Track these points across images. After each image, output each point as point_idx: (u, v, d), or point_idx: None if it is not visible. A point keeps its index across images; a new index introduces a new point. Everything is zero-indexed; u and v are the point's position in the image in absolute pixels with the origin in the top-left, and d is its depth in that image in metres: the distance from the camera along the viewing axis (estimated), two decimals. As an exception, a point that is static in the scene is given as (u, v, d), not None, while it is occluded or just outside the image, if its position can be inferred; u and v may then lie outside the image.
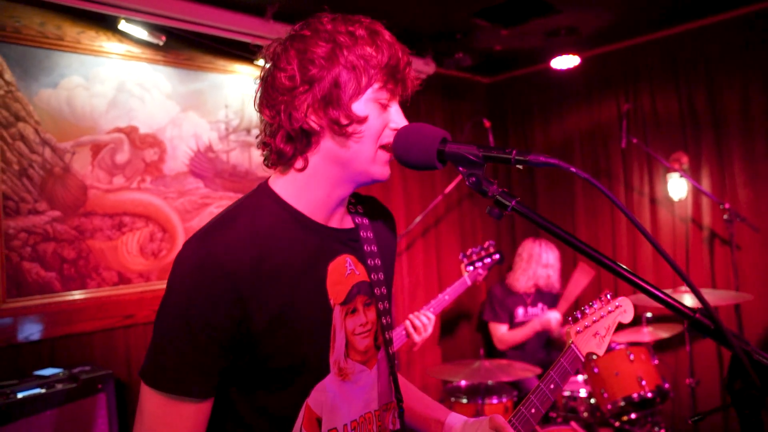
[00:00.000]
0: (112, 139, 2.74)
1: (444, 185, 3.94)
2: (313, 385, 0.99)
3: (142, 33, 2.73)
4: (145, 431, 0.92)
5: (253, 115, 3.20)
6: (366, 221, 1.15)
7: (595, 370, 3.08)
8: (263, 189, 1.04)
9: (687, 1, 3.38)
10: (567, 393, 3.40)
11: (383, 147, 1.02)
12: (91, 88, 2.68)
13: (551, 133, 4.58)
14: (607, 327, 1.39)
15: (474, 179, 0.95)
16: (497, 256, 2.72)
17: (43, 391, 2.10)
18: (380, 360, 1.10)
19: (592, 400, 3.29)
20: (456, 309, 4.39)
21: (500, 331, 3.79)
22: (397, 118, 1.02)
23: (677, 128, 3.84)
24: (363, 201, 1.21)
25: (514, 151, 0.93)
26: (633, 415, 3.17)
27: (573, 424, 3.09)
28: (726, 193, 3.65)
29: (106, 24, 2.69)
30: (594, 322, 1.38)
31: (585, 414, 3.33)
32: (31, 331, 2.43)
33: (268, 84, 1.00)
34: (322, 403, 1.00)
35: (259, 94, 1.02)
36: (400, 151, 1.00)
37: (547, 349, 3.94)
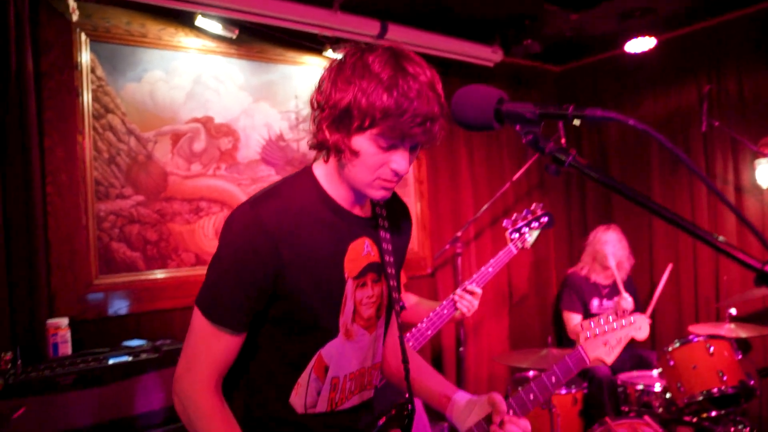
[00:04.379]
0: (189, 129, 2.90)
1: (513, 172, 3.88)
2: (326, 341, 1.20)
3: (216, 27, 2.88)
4: (190, 346, 1.16)
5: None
6: (384, 212, 1.32)
7: (671, 362, 2.94)
8: (306, 172, 1.23)
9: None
10: (640, 386, 3.27)
11: (384, 180, 1.14)
12: (170, 81, 2.86)
13: (627, 125, 4.40)
14: (619, 339, 1.50)
15: (531, 137, 0.95)
16: (545, 219, 2.53)
17: (130, 359, 2.27)
18: (378, 327, 1.30)
19: (668, 395, 3.14)
20: (526, 293, 4.32)
21: (574, 321, 3.70)
22: (398, 162, 1.11)
23: (767, 111, 3.60)
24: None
25: (570, 107, 0.92)
26: (713, 413, 3.00)
27: (647, 418, 2.96)
28: (821, 180, 3.38)
29: (184, 20, 2.86)
30: (606, 332, 1.45)
31: (660, 410, 3.19)
32: (119, 306, 2.63)
33: (311, 97, 1.17)
34: (331, 355, 1.21)
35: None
36: (458, 111, 1.02)
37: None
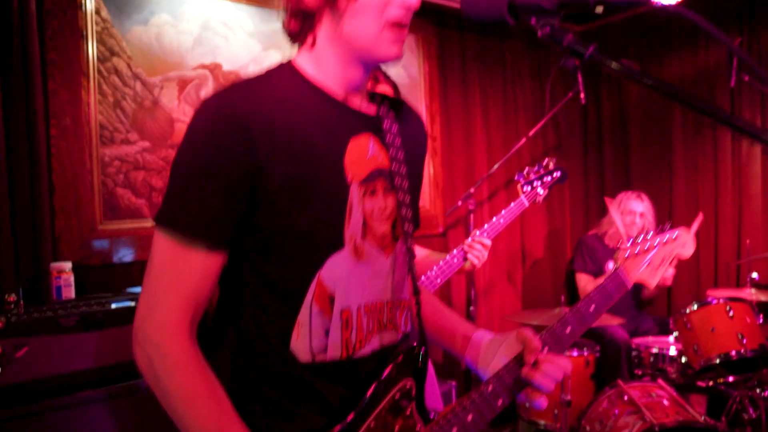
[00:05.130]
0: (197, 75, 2.83)
1: (529, 128, 3.76)
2: (327, 255, 0.96)
3: (225, -31, 2.78)
4: (153, 278, 0.92)
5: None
6: (392, 114, 1.11)
7: (688, 325, 2.85)
8: (284, 64, 1.02)
9: None
10: (655, 350, 3.19)
11: (393, 24, 0.95)
12: (178, 25, 2.78)
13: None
14: (662, 258, 1.28)
15: (548, 29, 0.86)
16: (558, 174, 2.49)
17: (132, 304, 2.23)
18: (397, 252, 1.06)
19: (683, 359, 3.06)
20: (540, 257, 4.24)
21: (585, 281, 3.63)
22: None
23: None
24: (391, 100, 1.15)
25: (592, -7, 0.83)
26: (730, 378, 2.92)
27: (660, 381, 2.89)
28: None
29: (193, -38, 2.77)
30: (648, 250, 1.27)
31: (674, 374, 3.12)
32: (124, 253, 2.59)
33: None
34: (336, 279, 0.97)
35: None
36: (467, 5, 0.93)
37: (639, 308, 3.72)
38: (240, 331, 0.99)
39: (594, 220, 4.28)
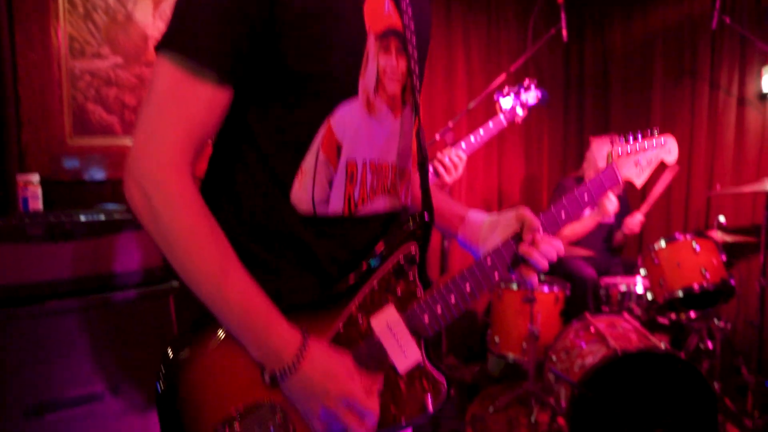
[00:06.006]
0: (172, -9, 2.72)
1: (510, 61, 3.73)
2: (339, 102, 0.92)
3: None
4: (153, 109, 0.83)
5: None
6: None
7: (656, 261, 2.93)
8: None
9: None
10: (623, 287, 3.28)
11: None
12: (152, -64, 2.66)
13: (632, 31, 4.22)
14: (649, 160, 1.34)
15: None
16: (539, 94, 2.44)
17: (102, 218, 2.20)
18: (405, 117, 1.04)
19: (649, 296, 3.15)
20: (516, 201, 4.28)
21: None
22: None
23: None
24: None
25: None
26: (692, 314, 3.02)
27: (625, 314, 2.98)
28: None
29: None
30: (637, 151, 1.32)
31: (638, 312, 3.21)
32: (96, 170, 2.54)
33: None
34: (345, 128, 0.93)
35: None
36: None
37: (610, 253, 3.78)
38: (230, 186, 0.94)
39: (572, 166, 4.32)
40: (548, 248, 1.06)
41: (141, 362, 2.28)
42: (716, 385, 2.86)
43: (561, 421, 2.85)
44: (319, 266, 0.96)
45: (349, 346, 0.95)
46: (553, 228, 1.11)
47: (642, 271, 3.12)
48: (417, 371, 1.00)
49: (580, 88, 4.45)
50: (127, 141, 2.62)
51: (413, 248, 1.01)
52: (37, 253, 2.08)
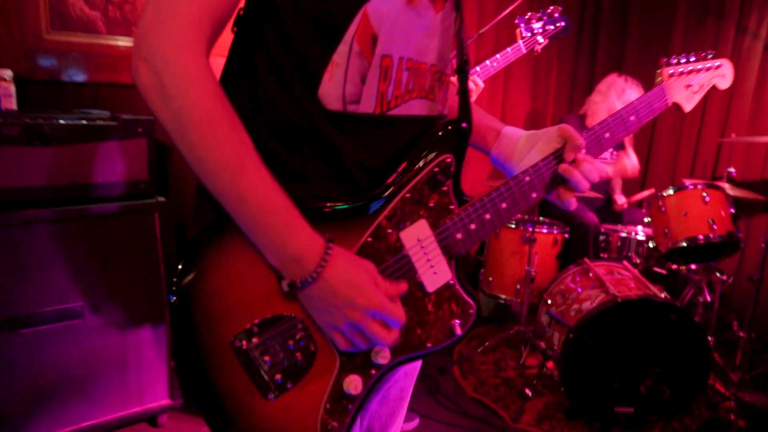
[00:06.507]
0: None
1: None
2: None
3: None
4: None
5: None
6: None
7: (663, 209, 2.83)
8: None
9: None
10: (624, 234, 3.20)
11: None
12: None
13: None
14: (702, 84, 1.24)
15: None
16: (562, 23, 2.32)
17: (84, 122, 2.02)
18: (446, 12, 0.92)
19: (651, 244, 3.08)
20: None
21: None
22: None
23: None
24: None
25: None
26: (693, 266, 2.96)
27: (625, 263, 2.91)
28: None
29: None
30: (689, 72, 1.21)
31: (637, 260, 3.15)
32: (75, 71, 2.32)
33: None
34: (382, 17, 0.82)
35: None
36: None
37: (609, 209, 3.64)
38: (250, 73, 0.84)
39: (578, 104, 4.13)
40: (590, 168, 0.98)
41: (123, 280, 2.16)
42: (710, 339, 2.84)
43: (550, 364, 2.83)
44: (345, 171, 0.86)
45: (376, 260, 0.86)
46: (596, 148, 1.04)
47: (646, 219, 3.02)
48: (446, 291, 0.92)
49: (596, 19, 4.18)
50: (111, 41, 2.39)
51: (449, 159, 0.92)
52: (11, 155, 1.91)
